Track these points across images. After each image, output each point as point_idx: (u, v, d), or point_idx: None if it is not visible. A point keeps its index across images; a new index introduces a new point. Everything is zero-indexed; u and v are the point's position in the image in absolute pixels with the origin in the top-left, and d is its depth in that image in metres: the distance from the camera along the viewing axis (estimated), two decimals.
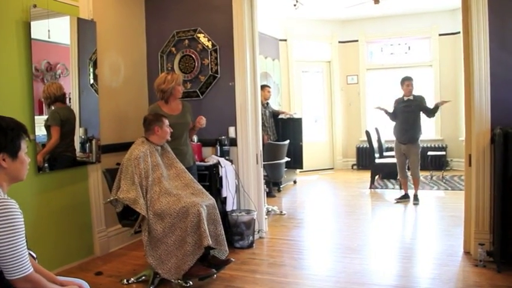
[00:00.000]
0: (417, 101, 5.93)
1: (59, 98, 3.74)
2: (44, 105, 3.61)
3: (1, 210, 1.53)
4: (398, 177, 6.52)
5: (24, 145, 1.71)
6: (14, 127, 1.68)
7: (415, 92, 5.99)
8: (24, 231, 1.59)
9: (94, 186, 4.05)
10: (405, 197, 6.14)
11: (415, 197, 6.01)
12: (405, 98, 5.93)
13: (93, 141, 4.09)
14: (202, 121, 3.96)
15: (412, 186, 6.14)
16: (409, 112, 5.90)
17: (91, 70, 4.09)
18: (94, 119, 4.11)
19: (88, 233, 4.00)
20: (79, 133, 3.95)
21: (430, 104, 6.10)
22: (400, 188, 6.50)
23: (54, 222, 3.64)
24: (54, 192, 3.66)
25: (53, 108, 3.66)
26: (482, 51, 3.53)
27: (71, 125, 3.83)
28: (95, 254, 4.04)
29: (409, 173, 6.19)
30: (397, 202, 6.07)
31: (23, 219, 1.59)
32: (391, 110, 6.10)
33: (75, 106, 3.89)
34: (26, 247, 1.59)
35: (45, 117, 3.61)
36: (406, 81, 5.91)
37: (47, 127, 3.62)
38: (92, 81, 4.09)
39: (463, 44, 3.76)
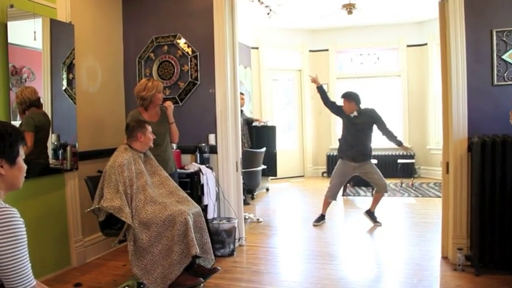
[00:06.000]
0: (366, 116, 5.26)
1: (34, 102, 3.58)
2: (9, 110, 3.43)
3: (2, 220, 1.44)
4: (326, 195, 5.54)
5: (22, 151, 1.62)
6: (12, 132, 1.59)
7: (378, 102, 5.43)
8: (26, 241, 1.50)
9: (71, 194, 3.91)
10: (322, 218, 5.45)
11: (372, 215, 5.27)
12: (351, 115, 5.31)
13: (68, 148, 3.94)
14: (170, 106, 3.88)
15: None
16: (357, 130, 5.28)
17: (64, 75, 3.95)
18: (67, 124, 3.97)
19: (64, 243, 3.84)
20: (51, 139, 3.79)
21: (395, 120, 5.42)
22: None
23: (28, 232, 3.44)
24: (28, 202, 3.47)
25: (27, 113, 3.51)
26: (460, 62, 3.66)
27: (45, 131, 3.68)
28: (72, 264, 3.89)
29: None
30: (315, 226, 5.32)
31: (25, 229, 1.50)
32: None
33: (47, 111, 3.73)
34: (28, 258, 1.50)
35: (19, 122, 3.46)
36: (343, 99, 5.36)
37: None
38: (65, 86, 3.95)
39: (440, 55, 3.90)
